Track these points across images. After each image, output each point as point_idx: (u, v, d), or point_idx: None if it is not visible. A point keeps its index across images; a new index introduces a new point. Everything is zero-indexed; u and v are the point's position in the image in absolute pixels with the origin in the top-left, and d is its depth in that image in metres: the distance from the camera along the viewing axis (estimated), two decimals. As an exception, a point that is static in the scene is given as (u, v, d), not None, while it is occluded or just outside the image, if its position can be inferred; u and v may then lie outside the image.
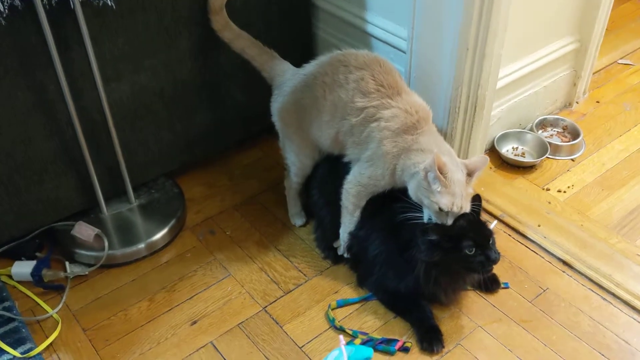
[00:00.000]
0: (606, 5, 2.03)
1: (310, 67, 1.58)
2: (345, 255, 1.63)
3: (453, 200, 1.36)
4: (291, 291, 1.62)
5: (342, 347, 1.35)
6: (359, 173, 1.52)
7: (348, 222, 1.59)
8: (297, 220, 1.81)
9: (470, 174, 1.41)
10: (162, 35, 1.62)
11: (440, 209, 1.36)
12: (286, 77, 1.63)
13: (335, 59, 1.53)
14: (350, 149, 1.55)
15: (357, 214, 1.57)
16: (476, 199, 1.45)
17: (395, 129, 1.45)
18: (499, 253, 1.41)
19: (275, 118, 1.67)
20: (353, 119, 1.49)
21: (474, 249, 1.38)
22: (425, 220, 1.43)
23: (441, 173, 1.34)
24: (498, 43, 1.62)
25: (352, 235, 1.59)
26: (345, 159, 1.58)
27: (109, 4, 1.41)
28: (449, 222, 1.39)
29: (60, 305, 1.58)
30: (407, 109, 1.46)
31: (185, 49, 1.69)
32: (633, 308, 1.54)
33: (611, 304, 1.56)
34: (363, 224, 1.57)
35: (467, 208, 1.39)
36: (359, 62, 1.50)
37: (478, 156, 1.51)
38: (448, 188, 1.35)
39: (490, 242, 1.41)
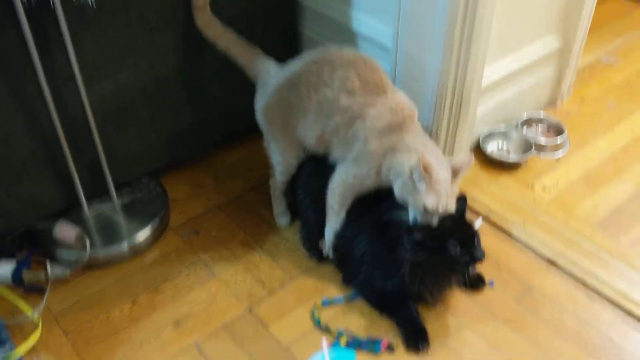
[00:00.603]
0: (590, 4, 2.03)
1: (294, 66, 1.57)
2: (330, 255, 1.62)
3: (438, 200, 1.35)
4: (276, 291, 1.61)
5: (325, 350, 1.34)
6: (344, 172, 1.51)
7: (333, 222, 1.58)
8: (282, 219, 1.80)
9: (455, 173, 1.40)
10: (144, 33, 1.60)
11: (426, 209, 1.36)
12: (270, 75, 1.62)
13: (320, 57, 1.52)
14: (336, 148, 1.54)
15: (343, 213, 1.56)
16: (461, 199, 1.45)
17: (380, 127, 1.44)
18: (483, 252, 1.40)
19: (260, 117, 1.66)
20: (338, 118, 1.48)
21: (459, 249, 1.38)
22: (411, 220, 1.42)
23: (426, 173, 1.33)
24: (483, 42, 1.62)
25: (339, 235, 1.58)
26: (331, 159, 1.57)
27: (90, 3, 1.39)
28: (435, 221, 1.38)
29: (41, 307, 1.55)
30: (393, 107, 1.45)
31: (168, 47, 1.67)
32: (618, 306, 1.54)
33: (596, 301, 1.56)
34: (349, 224, 1.56)
35: (452, 207, 1.39)
36: (344, 60, 1.48)
37: (463, 155, 1.50)
38: (433, 188, 1.34)
39: (476, 241, 1.41)
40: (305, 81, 1.51)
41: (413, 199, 1.37)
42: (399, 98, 1.49)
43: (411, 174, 1.36)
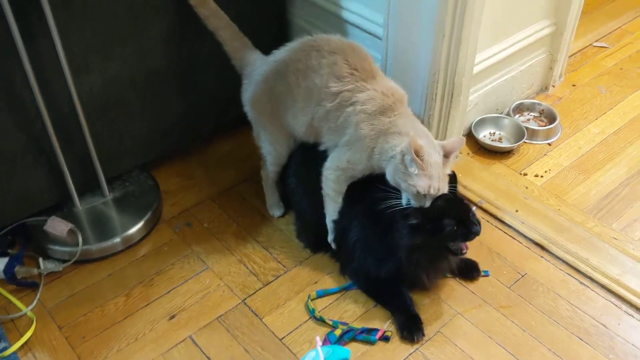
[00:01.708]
0: (581, -12, 2.03)
1: (280, 54, 1.56)
2: (333, 246, 1.62)
3: (430, 182, 1.35)
4: (270, 283, 1.60)
5: (319, 348, 1.34)
6: (337, 158, 1.51)
7: (332, 210, 1.57)
8: (276, 210, 1.79)
9: (446, 156, 1.41)
10: (132, 23, 1.58)
11: (418, 192, 1.36)
12: (256, 65, 1.61)
13: (307, 45, 1.51)
14: (326, 135, 1.53)
15: (340, 199, 1.56)
16: (452, 178, 1.45)
17: (371, 111, 1.43)
18: (479, 224, 1.41)
19: (247, 108, 1.65)
20: (328, 104, 1.47)
21: (455, 227, 1.39)
22: (404, 204, 1.42)
23: (418, 156, 1.33)
24: (474, 29, 1.61)
25: (335, 223, 1.58)
26: (322, 147, 1.56)
27: (76, -8, 1.37)
28: (427, 204, 1.39)
29: (34, 303, 1.55)
30: (384, 91, 1.44)
31: (157, 38, 1.65)
32: (610, 292, 1.55)
33: (589, 287, 1.57)
34: (343, 213, 1.56)
35: (444, 189, 1.40)
36: (332, 46, 1.48)
37: (454, 137, 1.50)
38: (425, 171, 1.35)
39: (471, 216, 1.41)
40: (292, 69, 1.50)
41: (405, 182, 1.37)
42: (388, 83, 1.49)
43: (403, 157, 1.36)
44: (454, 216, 1.39)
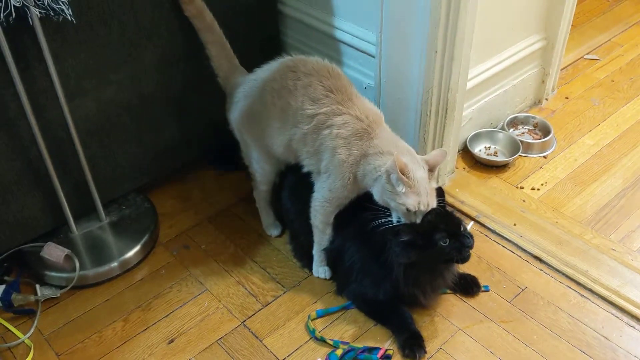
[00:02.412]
0: (571, 2, 2.04)
1: (260, 73, 1.57)
2: (323, 275, 1.62)
3: (419, 199, 1.35)
4: (269, 303, 1.59)
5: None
6: (321, 188, 1.50)
7: (319, 240, 1.58)
8: (273, 230, 1.79)
9: (431, 170, 1.41)
10: (126, 48, 1.58)
11: (408, 210, 1.35)
12: (238, 83, 1.62)
13: (284, 64, 1.51)
14: (306, 159, 1.52)
15: (329, 231, 1.56)
16: (439, 192, 1.44)
17: (347, 135, 1.42)
18: (472, 237, 1.40)
19: (233, 126, 1.66)
20: (305, 127, 1.46)
21: (447, 240, 1.38)
22: (395, 222, 1.41)
23: (403, 174, 1.33)
24: (466, 45, 1.62)
25: (326, 249, 1.58)
26: (304, 170, 1.55)
27: (69, 18, 1.37)
28: (418, 220, 1.38)
29: (31, 330, 1.53)
30: (357, 115, 1.43)
31: (150, 62, 1.65)
32: (611, 303, 1.54)
33: (589, 300, 1.56)
34: (336, 235, 1.56)
35: (433, 204, 1.39)
36: (308, 68, 1.48)
37: (436, 150, 1.50)
38: (412, 188, 1.34)
39: (462, 229, 1.41)
40: (269, 88, 1.51)
41: (394, 201, 1.36)
42: (365, 104, 1.47)
43: (388, 177, 1.36)
44: (444, 229, 1.39)
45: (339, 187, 1.46)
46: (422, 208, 1.36)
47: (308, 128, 1.46)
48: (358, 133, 1.42)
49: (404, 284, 1.44)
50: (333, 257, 1.58)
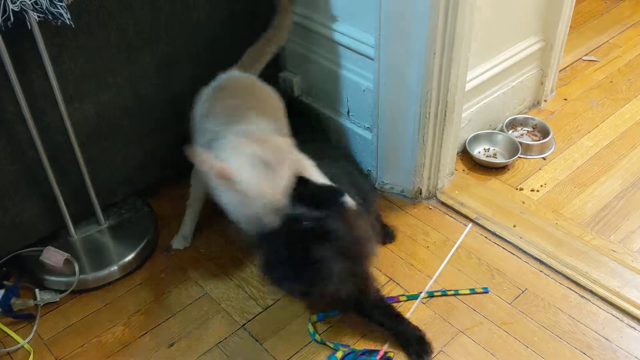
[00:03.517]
0: (569, 3, 2.05)
1: (206, 88, 1.59)
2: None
3: (261, 197, 1.19)
4: (270, 307, 1.59)
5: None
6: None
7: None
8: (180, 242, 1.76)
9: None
10: (125, 52, 1.58)
11: (252, 216, 1.21)
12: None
13: (221, 79, 1.58)
14: None
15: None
16: (333, 192, 1.28)
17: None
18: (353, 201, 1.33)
19: None
20: (203, 140, 1.45)
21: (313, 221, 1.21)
22: (257, 233, 1.24)
23: (225, 179, 1.18)
24: (465, 47, 1.62)
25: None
26: None
27: (67, 22, 1.37)
28: (275, 220, 1.21)
29: (31, 335, 1.53)
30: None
31: (149, 66, 1.65)
32: (611, 304, 1.54)
33: (589, 301, 1.56)
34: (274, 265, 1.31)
35: (281, 197, 1.21)
36: (233, 85, 1.54)
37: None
38: (244, 191, 1.19)
39: (337, 196, 1.26)
40: (204, 99, 1.54)
41: (240, 213, 1.21)
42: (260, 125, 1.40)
43: (216, 189, 1.24)
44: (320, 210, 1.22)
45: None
46: (269, 207, 1.21)
47: (204, 141, 1.44)
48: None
49: (336, 285, 1.31)
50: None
